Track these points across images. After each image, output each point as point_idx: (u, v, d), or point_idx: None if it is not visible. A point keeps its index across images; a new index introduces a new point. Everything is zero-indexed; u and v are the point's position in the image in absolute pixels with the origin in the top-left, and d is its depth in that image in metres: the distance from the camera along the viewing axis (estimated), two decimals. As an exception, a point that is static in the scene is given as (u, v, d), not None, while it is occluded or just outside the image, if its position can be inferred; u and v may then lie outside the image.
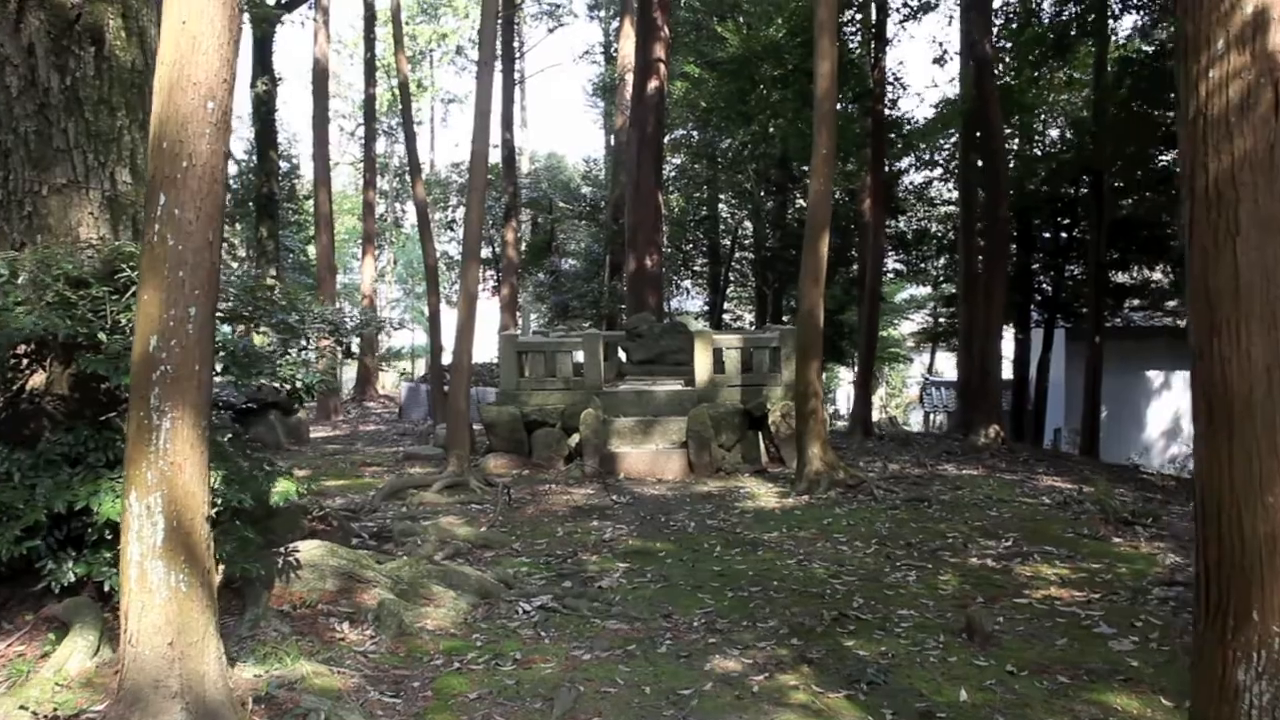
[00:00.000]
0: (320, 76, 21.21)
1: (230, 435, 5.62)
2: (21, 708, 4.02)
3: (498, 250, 27.62)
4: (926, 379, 37.11)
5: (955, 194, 25.82)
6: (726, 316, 30.25)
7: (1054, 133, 23.23)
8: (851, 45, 18.34)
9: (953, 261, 26.11)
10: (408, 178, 33.98)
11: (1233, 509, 2.94)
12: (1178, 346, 23.73)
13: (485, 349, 27.90)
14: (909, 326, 37.23)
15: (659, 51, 17.28)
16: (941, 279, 28.83)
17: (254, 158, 22.73)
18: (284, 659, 4.78)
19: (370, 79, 26.58)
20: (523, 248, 28.72)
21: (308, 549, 5.90)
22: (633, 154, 18.10)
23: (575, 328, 25.50)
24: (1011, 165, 18.52)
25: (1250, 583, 2.89)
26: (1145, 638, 5.23)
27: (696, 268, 30.86)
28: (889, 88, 17.75)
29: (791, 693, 4.52)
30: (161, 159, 3.61)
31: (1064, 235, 22.46)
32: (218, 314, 5.81)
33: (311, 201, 24.86)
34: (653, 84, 17.29)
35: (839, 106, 12.75)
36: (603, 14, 35.61)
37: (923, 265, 27.75)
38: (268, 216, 20.48)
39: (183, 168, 3.59)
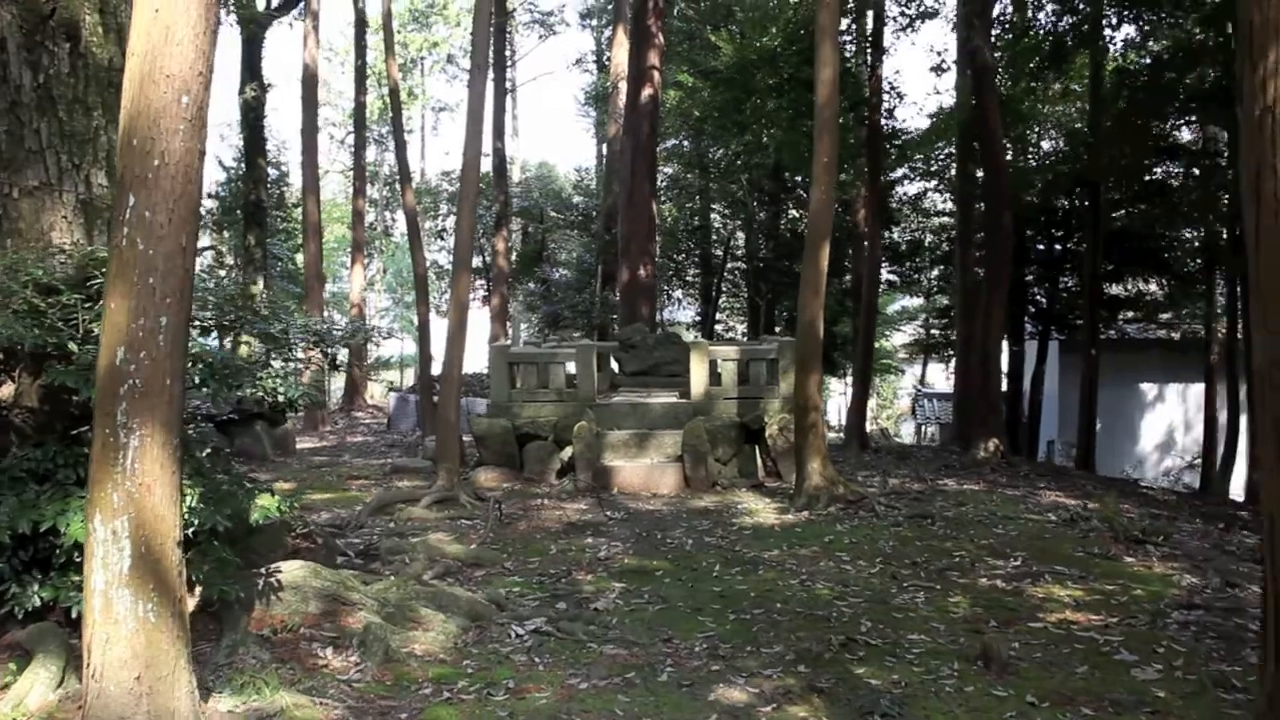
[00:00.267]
0: (310, 82, 20.95)
1: (209, 450, 5.34)
2: (-25, 746, 3.75)
3: (488, 259, 27.37)
4: (918, 390, 36.95)
5: (949, 205, 25.75)
6: (718, 327, 30.05)
7: (1047, 144, 23.14)
8: (848, 54, 18.19)
9: (947, 273, 26.01)
10: (398, 186, 33.70)
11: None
12: (1171, 359, 23.66)
13: (475, 359, 27.62)
14: (900, 338, 37.11)
15: (653, 59, 17.09)
16: (935, 290, 28.72)
17: (242, 165, 22.42)
18: (263, 689, 4.50)
19: (361, 86, 26.30)
20: (513, 257, 28.49)
21: (290, 569, 5.62)
22: (626, 162, 17.89)
23: (566, 338, 25.26)
24: (1007, 176, 18.39)
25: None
26: (1169, 665, 5.00)
27: (688, 278, 30.67)
28: (885, 97, 17.59)
29: (802, 727, 4.27)
30: (132, 157, 3.35)
31: (1058, 247, 22.33)
32: (196, 324, 5.56)
33: (300, 209, 24.58)
34: (647, 91, 17.10)
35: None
36: (594, 23, 35.47)
37: (916, 277, 27.63)
38: (255, 224, 20.14)
39: (154, 166, 3.34)
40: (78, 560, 4.42)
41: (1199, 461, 20.41)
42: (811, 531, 8.54)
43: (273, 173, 26.64)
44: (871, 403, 37.39)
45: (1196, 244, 20.70)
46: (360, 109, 27.04)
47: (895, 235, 25.87)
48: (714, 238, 29.67)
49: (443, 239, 31.43)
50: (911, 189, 25.46)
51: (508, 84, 33.11)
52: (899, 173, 23.09)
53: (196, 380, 4.77)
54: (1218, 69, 15.80)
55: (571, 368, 12.51)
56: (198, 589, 5.26)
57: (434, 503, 9.61)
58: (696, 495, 10.47)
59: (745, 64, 18.14)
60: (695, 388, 11.88)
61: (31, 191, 5.34)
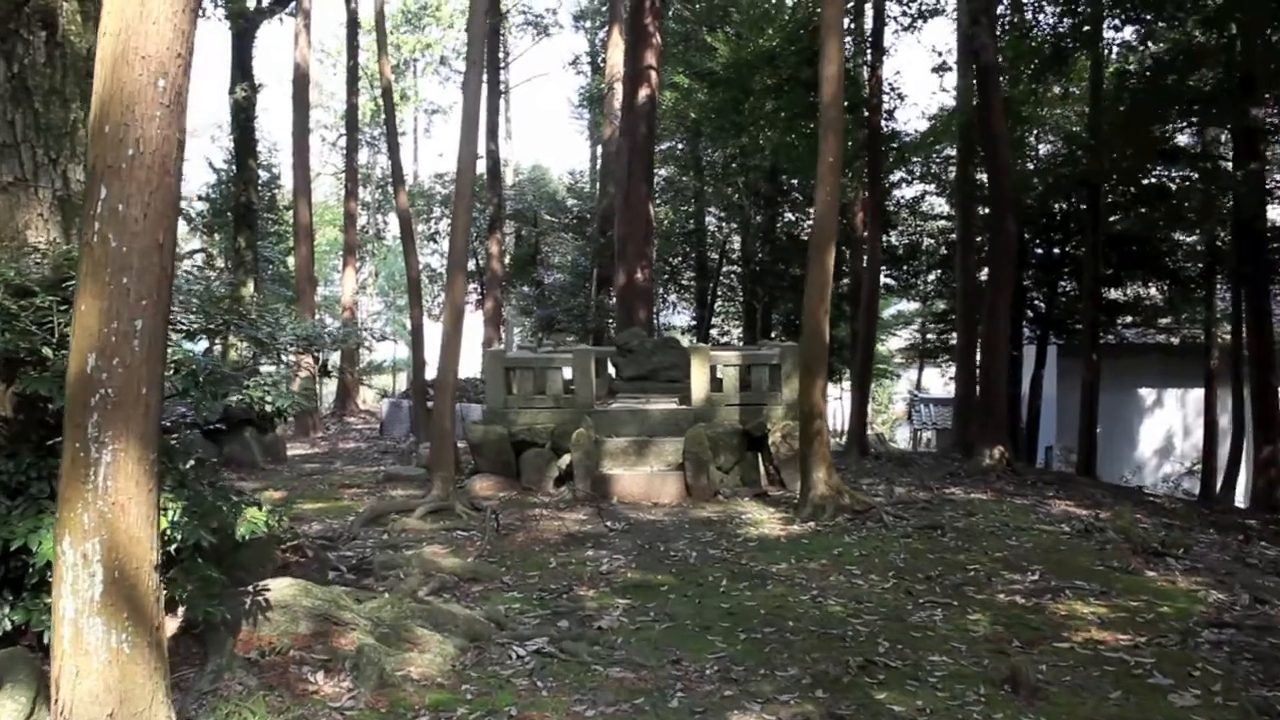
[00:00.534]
0: (301, 81, 20.64)
1: (192, 462, 5.04)
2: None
3: (482, 263, 27.07)
4: (914, 395, 36.76)
5: (947, 208, 25.57)
6: (714, 331, 29.80)
7: (1045, 148, 22.96)
8: (846, 55, 17.96)
9: (945, 277, 25.82)
10: (390, 189, 33.41)
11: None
12: (1170, 364, 23.52)
13: (469, 364, 27.31)
14: (895, 343, 36.90)
15: (650, 59, 16.84)
16: (932, 294, 28.53)
17: (233, 166, 22.08)
18: (249, 718, 4.21)
19: (353, 87, 26.03)
20: (507, 260, 28.19)
21: (279, 587, 5.33)
22: (623, 163, 17.63)
23: (561, 342, 24.97)
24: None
25: None
26: (1207, 690, 4.74)
27: (684, 282, 30.41)
28: (885, 98, 17.37)
29: (826, 760, 4.00)
30: (103, 145, 3.07)
31: (1056, 251, 22.17)
32: (180, 327, 5.27)
33: (291, 212, 24.25)
34: (644, 92, 16.85)
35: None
36: (588, 24, 35.20)
37: (913, 280, 27.43)
38: (246, 226, 19.82)
39: (128, 155, 3.06)
40: (52, 581, 4.13)
41: (1199, 467, 20.25)
42: (819, 543, 8.27)
43: (264, 175, 26.30)
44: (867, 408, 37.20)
45: (1197, 248, 20.53)
46: (352, 110, 26.77)
47: (892, 239, 25.67)
48: (709, 241, 29.42)
49: (435, 242, 31.10)
50: (909, 192, 25.27)
51: (501, 86, 32.84)
52: (896, 175, 22.88)
53: (179, 388, 4.48)
54: (1219, 70, 15.65)
55: (569, 373, 12.22)
56: (180, 609, 4.98)
57: (429, 513, 9.31)
58: (698, 504, 10.19)
59: (743, 64, 17.90)
60: (696, 394, 11.61)
61: (5, 188, 5.04)
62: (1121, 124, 16.71)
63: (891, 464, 14.77)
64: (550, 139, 76.14)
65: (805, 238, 25.38)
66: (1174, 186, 19.29)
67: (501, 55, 31.25)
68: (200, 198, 27.42)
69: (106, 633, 3.16)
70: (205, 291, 4.90)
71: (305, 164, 20.69)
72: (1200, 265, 20.43)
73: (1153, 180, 19.21)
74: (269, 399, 4.60)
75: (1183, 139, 19.49)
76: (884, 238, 23.08)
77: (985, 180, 16.53)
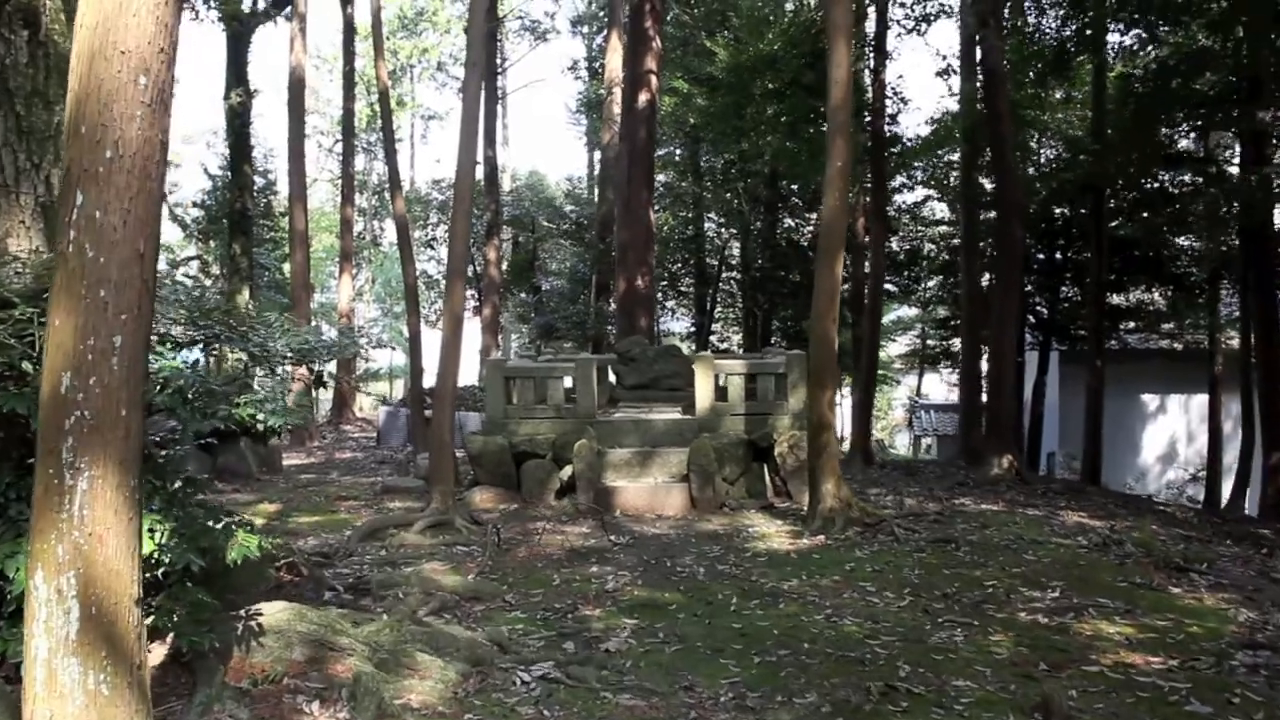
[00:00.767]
0: (297, 86, 20.41)
1: (179, 482, 4.80)
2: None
3: (479, 269, 26.83)
4: (915, 402, 36.53)
5: (949, 213, 25.39)
6: (713, 338, 29.57)
7: (1048, 152, 22.78)
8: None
9: (946, 282, 25.63)
10: (386, 195, 33.22)
11: None
12: (1173, 370, 23.30)
13: (467, 371, 27.05)
14: (895, 349, 36.70)
15: (650, 63, 16.63)
16: (933, 300, 28.34)
17: (228, 172, 21.86)
18: (239, 755, 3.97)
19: (349, 93, 25.81)
20: (504, 267, 27.96)
21: (272, 612, 5.09)
22: (623, 169, 17.42)
23: (560, 349, 24.72)
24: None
25: None
26: (1248, 718, 4.51)
27: (683, 288, 30.19)
28: (888, 102, 17.18)
29: (853, 799, 3.76)
30: (80, 147, 2.84)
31: (1058, 256, 21.97)
32: (169, 338, 5.03)
33: (287, 218, 24.03)
34: (644, 96, 16.64)
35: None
36: (585, 29, 35.02)
37: (914, 286, 27.23)
38: (241, 233, 19.60)
39: (106, 159, 2.82)
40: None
41: (1203, 473, 20.03)
42: (830, 558, 8.03)
43: (259, 181, 26.09)
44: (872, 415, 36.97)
45: (1201, 253, 20.34)
46: (349, 116, 26.56)
47: (893, 244, 25.49)
48: (708, 247, 29.21)
49: (433, 248, 30.91)
50: (910, 197, 25.09)
51: (498, 92, 32.66)
52: (897, 181, 22.70)
53: (166, 406, 4.24)
54: (1224, 74, 15.46)
55: (569, 382, 11.98)
56: (169, 636, 4.74)
57: (428, 527, 9.07)
58: (704, 517, 9.95)
59: (743, 69, 17.72)
60: (700, 403, 11.38)
61: (-15, 194, 4.82)
62: (1125, 128, 16.52)
63: (897, 473, 14.55)
64: (547, 145, 76.15)
65: (806, 244, 25.23)
66: (1178, 191, 19.10)
67: (499, 61, 31.08)
68: (195, 204, 27.22)
69: (83, 673, 2.93)
70: (193, 298, 4.66)
71: (301, 170, 20.44)
72: (1204, 270, 20.23)
73: (1156, 185, 19.02)
74: (260, 416, 4.36)
75: (1185, 144, 19.31)
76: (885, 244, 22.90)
77: (989, 185, 16.34)
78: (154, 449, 5.28)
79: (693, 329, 30.00)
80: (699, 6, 23.32)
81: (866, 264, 18.61)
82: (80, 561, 2.90)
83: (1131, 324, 23.03)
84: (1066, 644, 5.67)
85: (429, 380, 16.13)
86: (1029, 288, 21.31)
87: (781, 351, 12.59)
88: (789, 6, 19.82)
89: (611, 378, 14.09)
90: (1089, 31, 16.49)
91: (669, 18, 22.35)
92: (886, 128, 17.19)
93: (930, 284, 27.39)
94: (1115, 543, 8.28)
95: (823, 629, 6.06)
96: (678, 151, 27.81)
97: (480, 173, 22.91)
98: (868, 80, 17.02)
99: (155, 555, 4.44)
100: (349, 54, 24.97)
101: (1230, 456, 19.10)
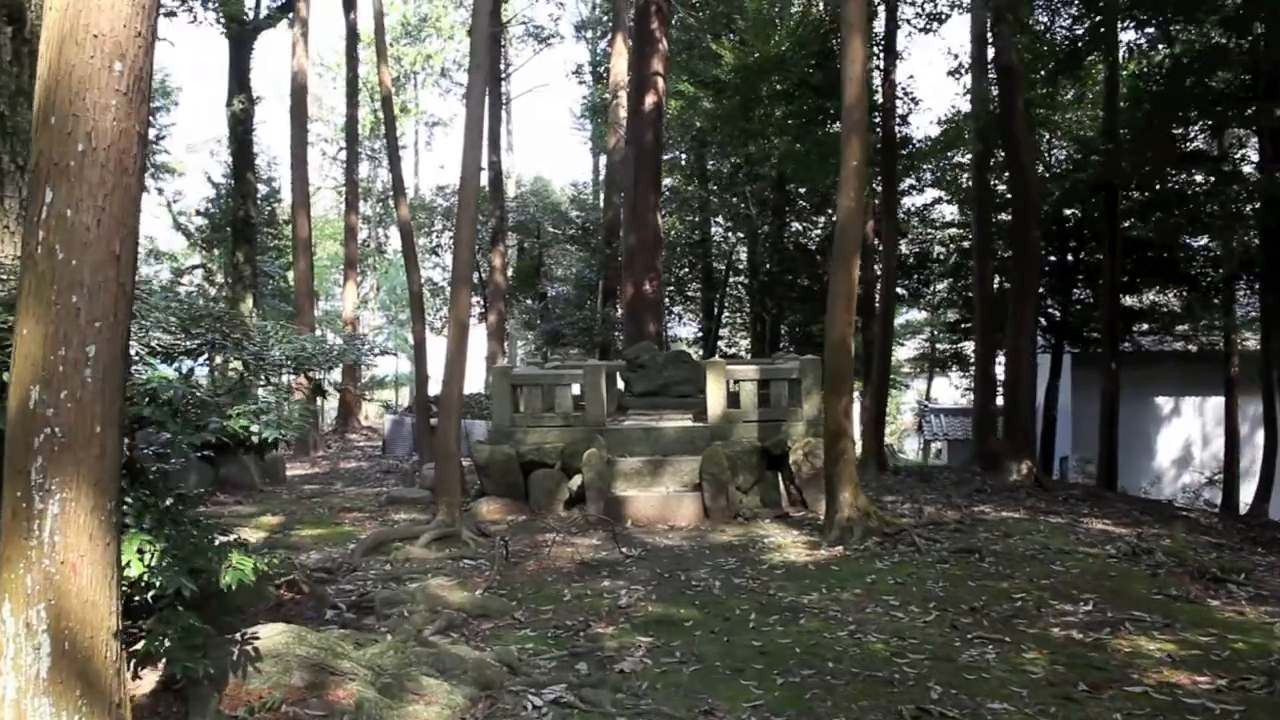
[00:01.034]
0: (299, 92, 20.22)
1: (173, 499, 4.55)
2: None
3: (485, 275, 26.62)
4: (924, 406, 36.19)
5: (958, 215, 25.11)
6: (721, 343, 29.31)
7: (1060, 153, 22.49)
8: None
9: (956, 285, 25.31)
10: (390, 202, 33.06)
11: None
12: (1188, 372, 22.96)
13: (472, 379, 26.86)
14: (904, 352, 36.38)
15: (657, 65, 16.40)
16: (943, 303, 28.03)
17: (231, 180, 21.69)
18: (233, 791, 3.72)
19: (353, 99, 25.65)
20: (510, 273, 27.74)
21: (269, 635, 4.83)
22: (629, 173, 17.19)
23: (567, 356, 24.48)
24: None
25: None
26: (1309, 745, 4.23)
27: (690, 293, 29.93)
28: (899, 103, 16.92)
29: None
30: (49, 140, 2.59)
31: (1071, 258, 21.68)
32: (159, 348, 4.79)
33: (290, 225, 23.84)
34: (650, 99, 16.41)
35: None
36: (590, 34, 34.84)
37: (924, 289, 26.94)
38: (245, 241, 19.43)
39: (78, 152, 2.58)
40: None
41: (1219, 476, 19.70)
42: (850, 570, 7.76)
43: (263, 188, 25.95)
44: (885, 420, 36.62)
45: (1217, 253, 20.03)
46: (352, 123, 26.41)
47: (903, 247, 25.20)
48: (715, 252, 28.96)
49: (437, 255, 30.68)
50: (920, 199, 24.81)
51: (502, 97, 32.46)
52: (906, 183, 22.43)
53: (156, 419, 3.99)
54: (1240, 71, 15.19)
55: (577, 389, 11.72)
56: (161, 663, 4.49)
57: (433, 540, 8.81)
58: (718, 528, 9.68)
59: (750, 70, 17.47)
60: (712, 410, 11.11)
61: (-34, 197, 4.60)
62: (1138, 127, 16.25)
63: (912, 479, 14.26)
64: (552, 151, 76.05)
65: (814, 247, 24.97)
66: (1193, 191, 18.81)
67: (503, 66, 30.88)
68: (199, 212, 27.07)
69: (55, 714, 2.68)
70: (184, 304, 4.42)
71: (304, 177, 20.24)
72: (1220, 271, 19.92)
73: (1171, 184, 18.73)
74: (254, 428, 4.12)
75: (1198, 143, 19.03)
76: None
77: (1003, 186, 16.06)
78: (146, 463, 5.04)
79: (700, 334, 29.74)
80: (704, 9, 23.10)
81: (877, 267, 18.35)
82: (52, 592, 2.65)
83: (1145, 326, 22.71)
84: (1105, 662, 5.39)
85: (434, 388, 15.90)
86: (1041, 290, 21.00)
87: (794, 357, 12.31)
88: (795, 7, 19.55)
89: (620, 384, 13.82)
90: (1101, 30, 16.23)
91: (674, 20, 22.14)
92: (897, 129, 16.92)
93: (940, 287, 27.08)
94: (1145, 551, 7.99)
95: (847, 646, 5.79)
96: (684, 155, 27.58)
97: (485, 178, 22.72)
98: (878, 81, 16.75)
99: (145, 578, 4.19)
100: (352, 60, 24.82)
101: (1247, 460, 18.78)
